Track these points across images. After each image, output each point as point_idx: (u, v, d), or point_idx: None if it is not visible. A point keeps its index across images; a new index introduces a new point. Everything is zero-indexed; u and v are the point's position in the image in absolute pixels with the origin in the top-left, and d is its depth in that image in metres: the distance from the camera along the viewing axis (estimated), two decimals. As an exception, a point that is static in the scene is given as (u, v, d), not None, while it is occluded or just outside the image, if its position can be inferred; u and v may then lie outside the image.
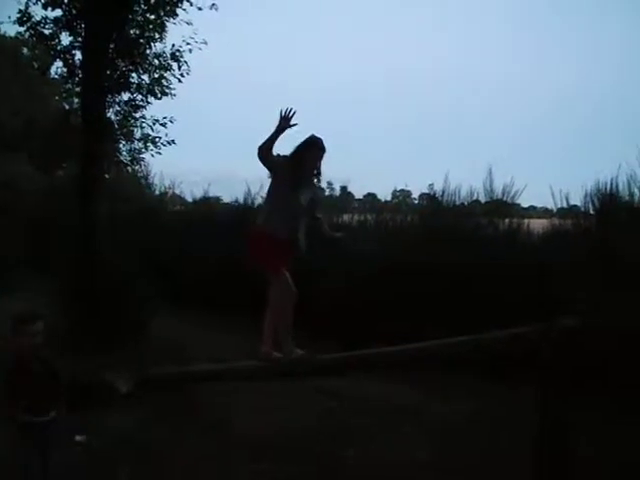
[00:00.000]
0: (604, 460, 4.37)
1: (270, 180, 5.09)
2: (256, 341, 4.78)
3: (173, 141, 13.63)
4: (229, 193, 13.16)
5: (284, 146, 4.99)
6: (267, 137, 4.79)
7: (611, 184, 7.21)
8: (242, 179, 14.83)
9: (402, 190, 12.74)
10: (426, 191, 9.94)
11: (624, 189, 7.10)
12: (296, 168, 4.91)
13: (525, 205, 12.11)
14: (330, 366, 4.98)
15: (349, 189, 13.02)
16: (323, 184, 12.25)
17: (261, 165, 4.87)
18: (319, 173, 5.16)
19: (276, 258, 4.78)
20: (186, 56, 12.00)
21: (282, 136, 4.81)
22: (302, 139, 5.00)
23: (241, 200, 12.36)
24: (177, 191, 14.68)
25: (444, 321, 6.30)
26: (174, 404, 5.40)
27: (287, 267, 4.86)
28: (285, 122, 4.75)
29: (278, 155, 4.96)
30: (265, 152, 4.79)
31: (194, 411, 5.48)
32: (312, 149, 5.01)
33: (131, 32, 10.88)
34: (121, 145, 15.10)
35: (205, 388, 5.66)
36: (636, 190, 7.10)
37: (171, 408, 5.38)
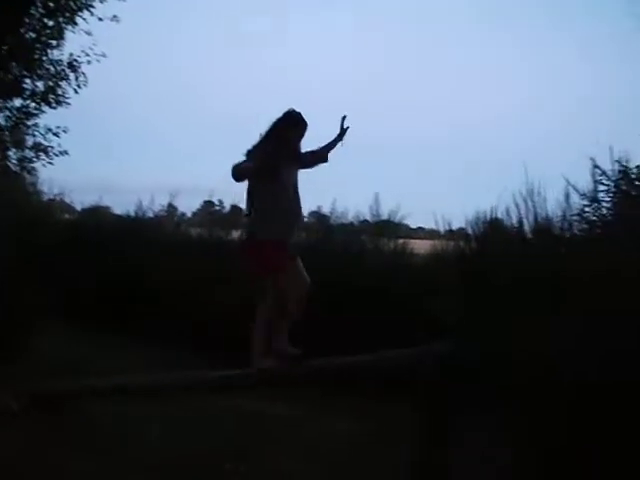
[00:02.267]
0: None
1: (251, 184, 4.66)
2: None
3: (66, 151, 13.37)
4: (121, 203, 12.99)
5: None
6: (322, 148, 4.76)
7: (491, 211, 7.79)
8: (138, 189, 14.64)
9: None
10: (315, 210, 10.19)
11: (503, 216, 7.66)
12: (279, 152, 4.57)
13: (414, 226, 12.73)
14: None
15: (240, 205, 13.14)
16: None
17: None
18: (299, 154, 4.76)
19: (286, 260, 4.55)
20: (85, 67, 11.84)
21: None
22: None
23: (132, 212, 12.25)
24: (67, 199, 14.37)
25: (323, 341, 6.48)
26: (68, 422, 5.23)
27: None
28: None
29: (246, 158, 4.59)
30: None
31: (89, 429, 5.35)
32: (298, 126, 4.70)
33: (27, 36, 10.67)
34: (11, 153, 14.64)
35: (100, 405, 5.56)
36: (513, 217, 7.60)
37: (64, 426, 5.20)
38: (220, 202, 12.28)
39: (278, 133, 4.63)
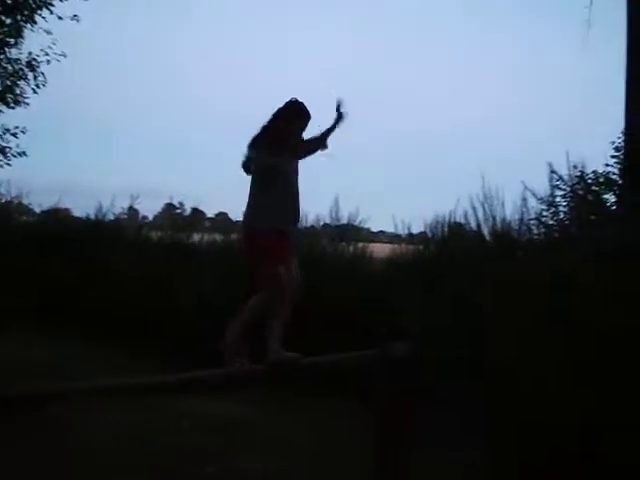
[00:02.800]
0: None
1: (255, 176, 4.44)
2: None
3: (24, 152, 13.15)
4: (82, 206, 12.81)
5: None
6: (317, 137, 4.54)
7: (450, 215, 7.89)
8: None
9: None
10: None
11: (462, 220, 7.76)
12: (282, 145, 4.38)
13: (375, 230, 12.78)
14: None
15: (200, 207, 13.02)
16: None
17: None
18: (298, 147, 4.53)
19: (286, 251, 4.35)
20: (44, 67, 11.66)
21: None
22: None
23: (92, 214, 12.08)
24: (25, 201, 14.10)
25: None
26: (26, 425, 5.15)
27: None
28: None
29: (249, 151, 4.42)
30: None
31: (40, 432, 5.27)
32: (301, 118, 4.49)
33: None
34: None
35: (52, 407, 5.49)
36: (472, 222, 7.69)
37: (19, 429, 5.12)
38: (181, 204, 12.17)
39: (280, 125, 4.43)
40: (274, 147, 4.34)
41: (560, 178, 7.39)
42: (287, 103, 4.47)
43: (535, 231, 7.64)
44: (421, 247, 8.08)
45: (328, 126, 4.57)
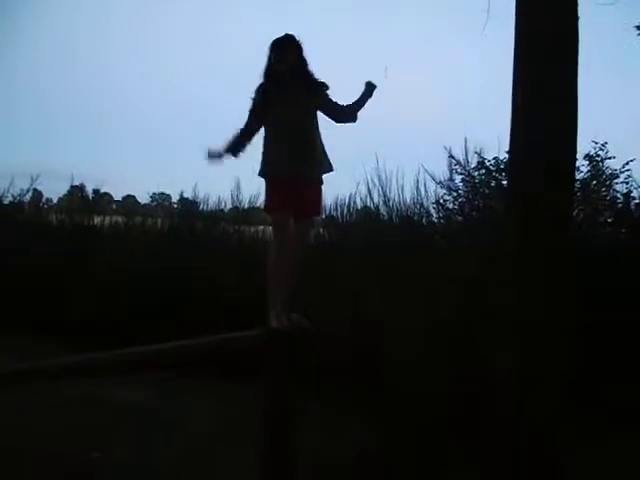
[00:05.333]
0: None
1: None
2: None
3: None
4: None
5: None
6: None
7: (349, 198, 7.99)
8: None
9: (162, 193, 12.70)
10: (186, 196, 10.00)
11: (361, 203, 7.86)
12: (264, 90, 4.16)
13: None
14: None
15: (106, 190, 12.65)
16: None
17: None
18: (296, 72, 4.20)
19: (278, 200, 4.06)
20: None
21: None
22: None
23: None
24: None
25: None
26: None
27: (295, 212, 4.10)
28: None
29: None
30: None
31: None
32: (274, 50, 4.19)
33: None
34: None
35: None
36: (371, 204, 7.74)
37: None
38: (83, 186, 11.81)
39: (265, 71, 4.20)
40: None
41: (458, 163, 7.55)
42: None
43: (435, 215, 7.81)
44: (321, 229, 8.09)
45: (357, 98, 4.33)
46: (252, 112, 4.22)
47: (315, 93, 4.27)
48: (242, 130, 4.27)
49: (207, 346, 4.61)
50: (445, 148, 7.58)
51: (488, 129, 7.64)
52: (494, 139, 7.08)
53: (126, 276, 8.01)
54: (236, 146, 4.29)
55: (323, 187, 4.31)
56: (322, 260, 6.67)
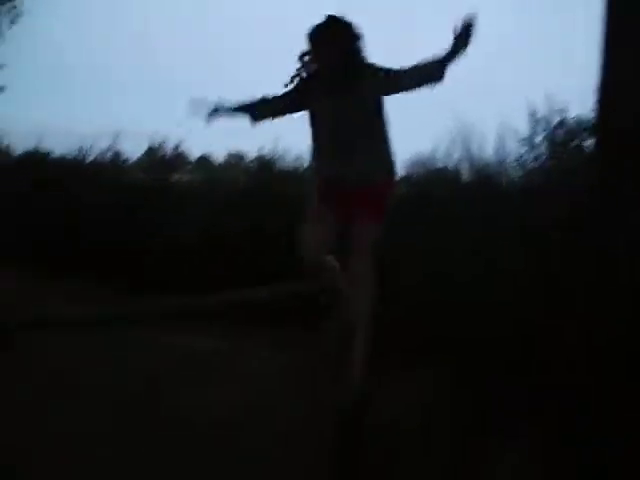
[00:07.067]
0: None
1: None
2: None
3: (2, 88, 12.88)
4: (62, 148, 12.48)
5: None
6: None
7: (429, 157, 7.86)
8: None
9: (236, 153, 12.74)
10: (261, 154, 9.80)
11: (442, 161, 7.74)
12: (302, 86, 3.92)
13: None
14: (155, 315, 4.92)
15: (182, 149, 12.80)
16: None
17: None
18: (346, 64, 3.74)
19: (320, 201, 3.98)
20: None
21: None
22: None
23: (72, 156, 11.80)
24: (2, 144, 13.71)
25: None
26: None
27: (338, 210, 3.93)
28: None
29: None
30: None
31: (21, 364, 5.20)
32: (312, 46, 3.80)
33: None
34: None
35: (29, 339, 5.41)
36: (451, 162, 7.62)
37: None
38: (161, 145, 11.99)
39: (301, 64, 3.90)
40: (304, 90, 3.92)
41: (540, 120, 7.34)
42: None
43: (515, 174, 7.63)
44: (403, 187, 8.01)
45: (448, 50, 3.54)
46: (285, 95, 3.95)
47: (358, 82, 3.77)
48: (267, 100, 4.02)
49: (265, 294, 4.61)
50: (528, 104, 7.37)
51: (569, 87, 7.42)
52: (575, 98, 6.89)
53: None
54: (259, 111, 4.05)
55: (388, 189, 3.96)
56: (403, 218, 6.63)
